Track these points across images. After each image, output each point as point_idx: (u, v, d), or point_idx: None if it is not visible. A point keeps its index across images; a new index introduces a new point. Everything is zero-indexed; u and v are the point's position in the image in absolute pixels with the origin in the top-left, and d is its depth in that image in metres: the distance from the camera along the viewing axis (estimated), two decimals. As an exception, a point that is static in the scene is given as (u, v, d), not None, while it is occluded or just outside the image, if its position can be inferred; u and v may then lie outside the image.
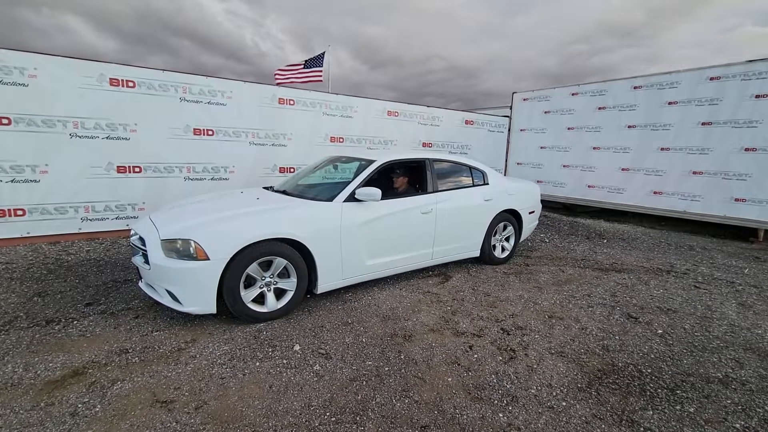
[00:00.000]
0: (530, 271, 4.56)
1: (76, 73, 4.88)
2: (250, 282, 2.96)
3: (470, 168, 4.51)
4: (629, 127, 7.75)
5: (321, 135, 7.01)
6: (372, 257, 3.55)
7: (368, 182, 3.57)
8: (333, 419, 2.00)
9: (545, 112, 9.26)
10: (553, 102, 9.09)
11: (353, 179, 3.58)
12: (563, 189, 8.93)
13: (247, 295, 2.92)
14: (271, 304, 3.04)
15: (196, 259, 2.71)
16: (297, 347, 2.68)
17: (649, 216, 7.82)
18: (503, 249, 4.82)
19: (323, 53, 12.57)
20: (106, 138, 5.16)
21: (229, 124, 6.03)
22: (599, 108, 8.20)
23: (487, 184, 4.54)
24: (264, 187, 4.17)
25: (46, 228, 4.94)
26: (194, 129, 5.76)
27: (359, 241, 3.41)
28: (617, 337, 2.98)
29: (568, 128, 8.79)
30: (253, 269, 2.90)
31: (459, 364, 2.55)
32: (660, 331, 3.10)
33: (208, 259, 2.70)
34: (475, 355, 2.67)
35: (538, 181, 9.33)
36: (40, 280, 3.71)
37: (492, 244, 4.63)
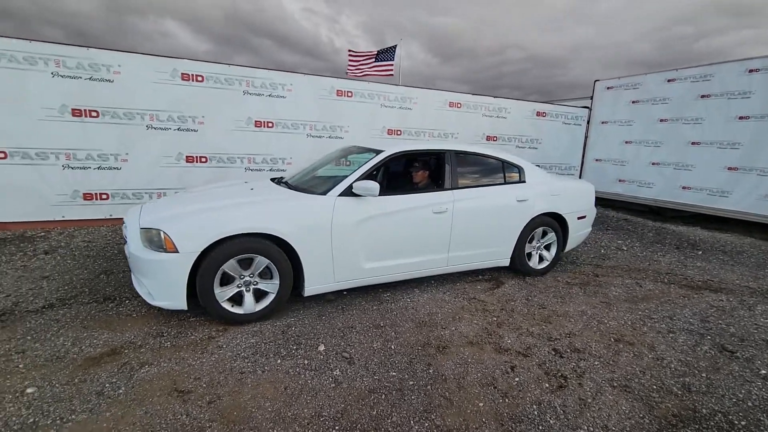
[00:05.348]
0: (599, 283, 3.97)
1: (152, 69, 5.26)
2: (228, 280, 2.74)
3: (503, 163, 3.92)
4: (740, 118, 6.46)
5: (378, 127, 6.87)
6: (371, 260, 3.16)
7: (371, 175, 3.22)
8: (341, 435, 1.83)
9: (632, 102, 8.14)
10: (644, 90, 7.94)
11: (353, 171, 3.20)
12: (651, 190, 7.79)
13: (223, 294, 2.70)
14: (249, 305, 2.80)
15: (165, 251, 2.55)
16: (322, 347, 2.56)
17: (762, 225, 6.49)
18: (541, 258, 4.13)
19: (395, 46, 12.40)
20: (177, 129, 5.52)
21: (288, 117, 6.13)
22: (702, 96, 6.96)
23: (524, 182, 3.94)
24: (274, 179, 3.81)
25: (124, 211, 5.43)
26: (255, 121, 5.95)
27: (355, 241, 3.04)
28: (704, 375, 2.41)
29: (661, 120, 7.62)
30: (230, 266, 2.67)
31: (495, 387, 2.23)
32: (764, 372, 2.46)
33: (176, 251, 2.53)
34: (517, 379, 2.32)
35: (619, 181, 8.32)
36: (110, 259, 4.06)
37: (527, 252, 3.99)
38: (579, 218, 4.24)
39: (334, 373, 2.30)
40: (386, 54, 12.50)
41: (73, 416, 1.86)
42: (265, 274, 2.84)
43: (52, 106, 4.83)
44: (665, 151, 7.57)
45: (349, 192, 3.03)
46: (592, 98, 9.00)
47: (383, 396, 2.12)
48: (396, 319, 3.01)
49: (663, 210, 7.74)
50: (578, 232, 4.33)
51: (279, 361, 2.40)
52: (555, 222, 4.06)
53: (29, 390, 2.03)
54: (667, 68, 7.71)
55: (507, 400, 2.13)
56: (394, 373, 2.32)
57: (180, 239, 2.54)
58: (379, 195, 3.07)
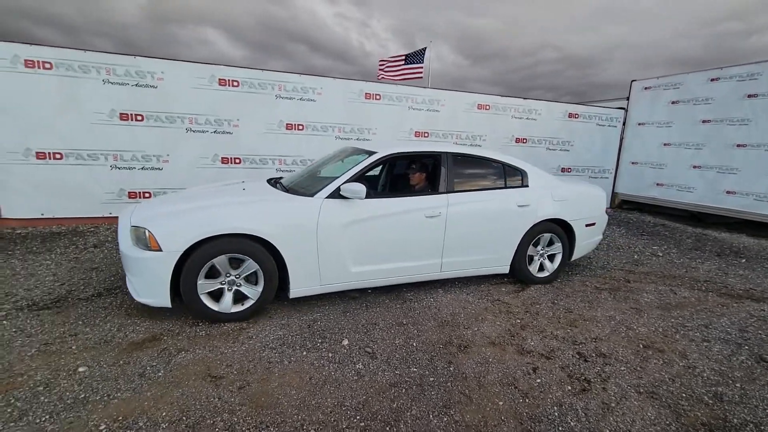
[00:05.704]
0: (630, 289, 3.86)
1: (192, 75, 5.57)
2: (215, 275, 2.75)
3: (504, 166, 3.74)
4: (793, 118, 6.07)
5: (405, 130, 6.93)
6: (359, 264, 3.10)
7: (361, 177, 3.13)
8: (362, 424, 1.90)
9: (672, 103, 7.80)
10: (684, 90, 7.59)
11: (344, 173, 3.14)
12: (691, 194, 7.43)
13: (204, 286, 2.70)
14: (226, 305, 2.79)
15: (150, 249, 2.58)
16: (345, 342, 2.65)
17: (818, 233, 6.06)
18: (542, 267, 3.91)
19: (424, 49, 12.43)
20: (214, 132, 5.81)
21: (318, 119, 6.31)
22: (748, 96, 6.59)
23: (526, 186, 3.76)
24: (270, 179, 3.75)
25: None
26: (287, 124, 6.16)
27: (342, 243, 2.99)
28: (738, 385, 2.32)
29: (703, 121, 7.27)
30: (220, 262, 2.69)
31: (516, 387, 2.24)
32: (810, 387, 2.33)
33: (160, 250, 2.55)
34: (539, 380, 2.32)
35: (657, 185, 7.99)
36: (151, 253, 4.33)
37: (528, 258, 3.80)
38: (587, 225, 4.02)
39: (357, 366, 2.38)
40: (415, 57, 12.55)
41: (119, 394, 2.04)
42: (251, 279, 2.85)
43: (103, 111, 5.21)
44: (707, 153, 7.21)
45: (337, 194, 2.99)
46: (628, 99, 8.70)
47: (404, 390, 2.17)
48: (418, 318, 3.06)
49: (704, 216, 7.37)
50: (587, 240, 4.09)
51: (305, 353, 2.50)
52: (560, 229, 3.86)
53: (81, 369, 2.22)
54: (711, 67, 7.33)
55: (527, 400, 2.13)
56: (414, 369, 2.37)
57: (164, 238, 2.57)
58: (372, 198, 3.08)
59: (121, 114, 5.30)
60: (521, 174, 3.80)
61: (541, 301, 3.48)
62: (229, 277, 2.79)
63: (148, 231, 2.59)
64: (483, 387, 2.23)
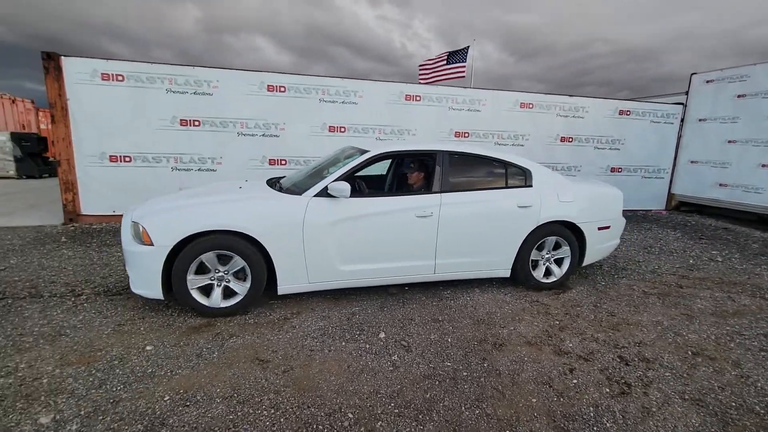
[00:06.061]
0: (682, 294, 3.66)
1: (244, 82, 5.95)
2: (204, 271, 2.86)
3: (506, 165, 3.57)
4: None
5: (445, 130, 6.95)
6: (347, 262, 3.11)
7: (351, 176, 3.15)
8: (396, 411, 2.00)
9: (738, 97, 7.21)
10: (753, 82, 6.99)
11: (334, 172, 3.14)
12: (760, 196, 6.82)
13: (194, 282, 2.82)
14: (215, 300, 2.89)
15: (143, 243, 2.72)
16: (382, 335, 2.76)
17: None
18: (549, 272, 3.71)
19: (467, 48, 12.33)
20: (262, 135, 6.17)
21: (359, 121, 6.50)
22: (830, 86, 5.96)
23: (530, 186, 3.57)
24: (270, 179, 3.77)
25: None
26: (329, 126, 6.40)
27: (330, 242, 3.01)
28: (800, 400, 2.16)
29: (774, 116, 6.66)
30: (208, 258, 2.80)
31: (551, 386, 2.24)
32: None
33: (152, 244, 2.69)
34: (575, 381, 2.30)
35: (720, 185, 7.41)
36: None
37: (533, 263, 3.63)
38: (600, 229, 3.75)
39: (393, 358, 2.49)
40: (457, 56, 12.46)
41: (180, 371, 2.28)
42: (240, 276, 2.94)
43: (166, 118, 5.71)
44: (779, 151, 6.59)
45: (325, 193, 3.00)
46: (687, 93, 8.14)
47: (437, 382, 2.25)
48: (454, 315, 3.11)
49: (775, 219, 6.74)
50: (600, 244, 3.83)
51: (343, 343, 2.65)
52: (569, 232, 3.62)
53: (148, 348, 2.51)
54: (785, 56, 6.70)
55: (562, 400, 2.13)
56: (448, 364, 2.44)
57: (155, 233, 2.70)
58: (363, 196, 3.12)
59: (181, 120, 5.78)
60: (525, 173, 3.61)
61: (583, 304, 3.40)
62: (218, 273, 2.88)
63: (142, 226, 2.73)
64: (516, 384, 2.26)
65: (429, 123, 6.83)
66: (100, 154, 5.58)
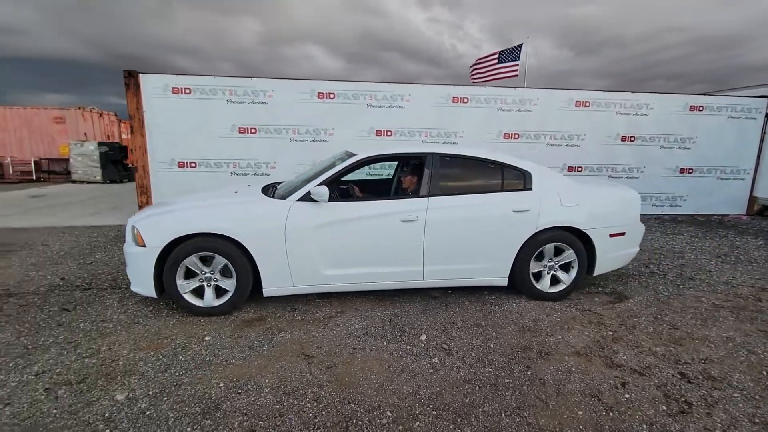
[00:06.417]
0: (761, 309, 3.29)
1: (296, 91, 6.26)
2: (191, 275, 2.99)
3: (503, 167, 3.38)
4: None
5: (494, 132, 6.81)
6: (331, 267, 3.09)
7: (336, 181, 3.15)
8: (434, 413, 2.02)
9: (838, 86, 6.32)
10: None
11: (318, 176, 3.14)
12: None
13: (185, 286, 2.97)
14: (209, 299, 3.01)
15: (137, 245, 2.91)
16: (423, 337, 2.78)
17: None
18: (557, 281, 3.44)
19: (520, 45, 11.98)
20: (312, 141, 6.44)
21: (405, 125, 6.56)
22: None
23: (529, 189, 3.34)
24: (269, 184, 3.83)
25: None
26: (376, 130, 6.53)
27: (313, 246, 3.01)
28: None
29: None
30: (191, 262, 2.92)
31: (599, 400, 2.13)
32: None
33: (144, 246, 2.87)
34: (627, 395, 2.17)
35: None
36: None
37: (534, 271, 3.37)
38: (612, 235, 3.42)
39: (433, 360, 2.50)
40: (510, 54, 12.13)
41: (233, 360, 2.46)
42: (227, 273, 3.01)
43: (226, 126, 6.16)
44: None
45: (308, 197, 3.01)
46: (773, 85, 7.28)
47: (477, 387, 2.23)
48: (498, 321, 3.04)
49: None
50: (613, 252, 3.49)
51: (385, 343, 2.70)
52: (575, 239, 3.35)
53: (207, 338, 2.73)
54: None
55: (611, 414, 2.02)
56: (490, 369, 2.40)
57: (147, 235, 2.88)
58: (350, 201, 3.10)
59: (239, 128, 6.21)
60: (524, 176, 3.39)
61: (641, 315, 3.18)
62: (204, 274, 3.00)
63: (137, 229, 2.94)
64: (562, 395, 2.17)
65: (476, 125, 6.72)
66: (169, 160, 6.14)
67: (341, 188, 3.76)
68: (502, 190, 3.38)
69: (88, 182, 13.10)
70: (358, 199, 3.29)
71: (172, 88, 5.96)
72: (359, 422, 1.95)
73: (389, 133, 6.54)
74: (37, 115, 14.94)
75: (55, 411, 1.99)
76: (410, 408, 2.05)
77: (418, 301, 3.39)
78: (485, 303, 3.37)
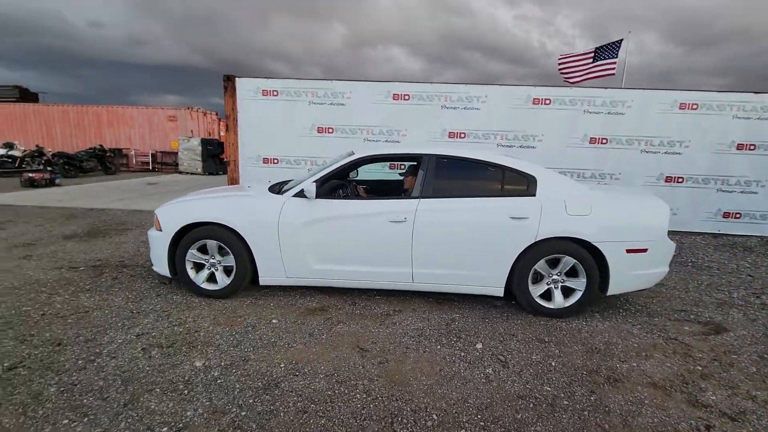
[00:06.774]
0: None
1: (372, 92, 6.46)
2: (200, 258, 3.31)
3: (504, 170, 3.19)
4: None
5: (578, 136, 6.32)
6: (320, 262, 3.22)
7: (332, 178, 3.31)
8: (481, 423, 1.97)
9: None
10: None
11: (315, 174, 3.33)
12: None
13: (199, 277, 3.31)
14: (222, 282, 3.31)
15: (156, 229, 3.31)
16: (479, 345, 2.71)
17: None
18: (566, 294, 3.14)
19: (620, 41, 10.95)
20: (385, 141, 6.58)
21: (480, 127, 6.40)
22: None
23: (532, 195, 3.08)
24: (280, 182, 3.92)
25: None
26: (449, 132, 6.47)
27: (302, 241, 3.17)
28: None
29: None
30: (196, 248, 3.25)
31: (675, 440, 1.89)
32: None
33: (161, 230, 3.25)
34: (711, 441, 1.89)
35: None
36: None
37: (534, 284, 3.12)
38: (630, 251, 2.99)
39: (487, 370, 2.43)
40: (608, 51, 11.11)
41: (295, 344, 2.65)
42: (227, 255, 3.28)
43: (306, 126, 6.58)
44: None
45: (302, 194, 3.14)
46: None
47: (531, 405, 2.12)
48: (563, 338, 2.85)
49: None
50: (632, 270, 3.05)
51: (439, 347, 2.69)
52: (585, 252, 3.01)
53: (274, 321, 2.97)
54: None
55: (688, 459, 1.78)
56: (548, 388, 2.26)
57: (164, 221, 3.27)
58: (340, 200, 3.25)
59: (318, 128, 6.58)
60: (527, 181, 3.14)
61: (742, 352, 2.74)
62: (210, 261, 3.33)
63: (156, 215, 3.34)
64: (629, 427, 1.97)
65: (558, 128, 6.31)
66: (256, 156, 6.73)
67: (350, 187, 3.78)
68: (502, 194, 3.23)
69: (191, 173, 14.90)
70: (348, 197, 3.39)
71: (263, 90, 6.53)
72: (404, 420, 1.97)
73: (462, 135, 6.44)
74: (156, 114, 17.43)
75: (148, 368, 2.33)
76: (457, 415, 2.03)
77: (479, 308, 3.31)
78: (551, 318, 3.17)
